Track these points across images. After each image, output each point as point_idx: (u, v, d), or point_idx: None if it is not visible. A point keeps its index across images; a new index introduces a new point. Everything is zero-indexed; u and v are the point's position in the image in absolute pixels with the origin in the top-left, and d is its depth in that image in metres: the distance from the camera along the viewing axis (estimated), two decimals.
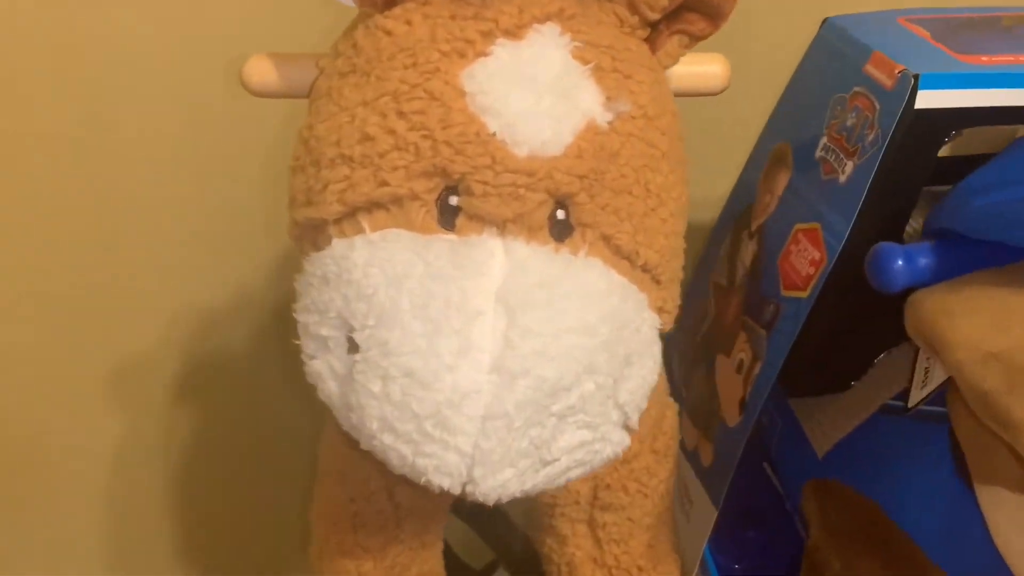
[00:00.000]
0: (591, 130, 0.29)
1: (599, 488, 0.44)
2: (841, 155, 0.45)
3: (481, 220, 0.29)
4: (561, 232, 0.29)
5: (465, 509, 0.53)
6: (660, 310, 0.32)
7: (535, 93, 0.29)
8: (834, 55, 0.48)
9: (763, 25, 0.62)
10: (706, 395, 0.51)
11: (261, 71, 0.36)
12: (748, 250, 0.51)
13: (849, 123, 0.45)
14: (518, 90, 0.29)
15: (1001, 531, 0.38)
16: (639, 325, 0.31)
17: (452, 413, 0.28)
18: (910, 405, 0.40)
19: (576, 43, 0.30)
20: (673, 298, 0.32)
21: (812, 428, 0.49)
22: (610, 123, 0.30)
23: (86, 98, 0.67)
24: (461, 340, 0.28)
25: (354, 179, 0.29)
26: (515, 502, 0.45)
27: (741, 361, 0.49)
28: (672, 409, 0.47)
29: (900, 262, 0.36)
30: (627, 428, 0.32)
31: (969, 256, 0.37)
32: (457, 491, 0.30)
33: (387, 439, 0.29)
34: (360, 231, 0.29)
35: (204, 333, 0.82)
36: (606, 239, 0.30)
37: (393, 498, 0.44)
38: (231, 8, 0.65)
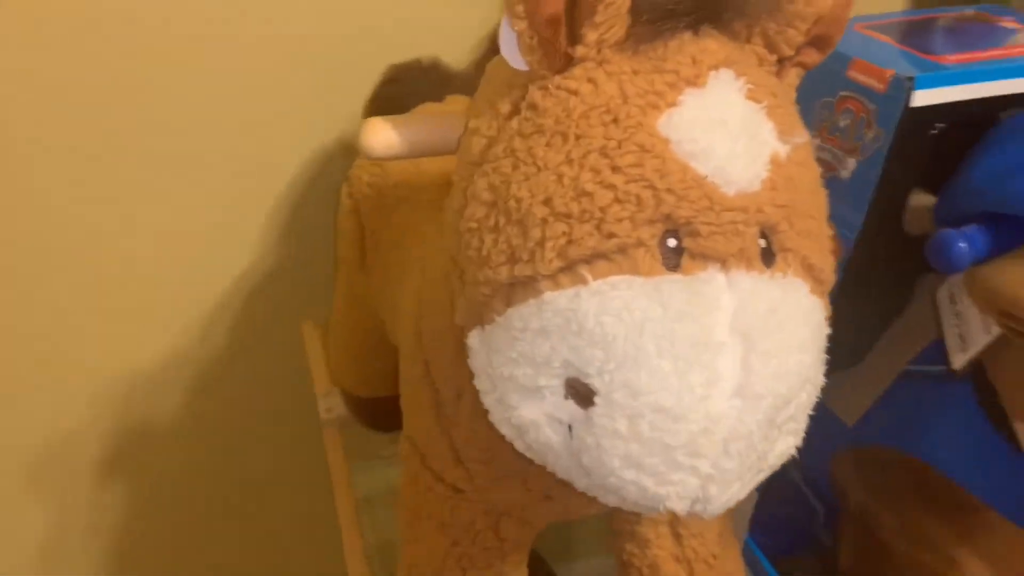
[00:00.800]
0: (775, 163, 0.32)
1: None
2: (840, 153, 0.50)
3: (705, 257, 0.31)
4: (768, 259, 0.32)
5: None
6: (827, 319, 0.35)
7: (732, 135, 0.31)
8: None
9: None
10: None
11: (382, 134, 0.36)
12: None
13: (842, 124, 0.50)
14: (718, 134, 0.31)
15: None
16: (824, 335, 0.34)
17: (705, 440, 0.30)
18: (956, 367, 0.45)
19: (748, 85, 0.32)
20: (828, 307, 0.35)
21: (835, 401, 0.54)
22: (788, 155, 0.32)
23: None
24: (710, 372, 0.30)
25: (575, 234, 0.31)
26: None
27: None
28: None
29: (963, 244, 0.41)
30: None
31: (1019, 231, 0.42)
32: (685, 511, 0.32)
33: (628, 474, 0.31)
34: (579, 282, 0.31)
35: (130, 404, 0.78)
36: (803, 260, 0.33)
37: (499, 533, 0.45)
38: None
